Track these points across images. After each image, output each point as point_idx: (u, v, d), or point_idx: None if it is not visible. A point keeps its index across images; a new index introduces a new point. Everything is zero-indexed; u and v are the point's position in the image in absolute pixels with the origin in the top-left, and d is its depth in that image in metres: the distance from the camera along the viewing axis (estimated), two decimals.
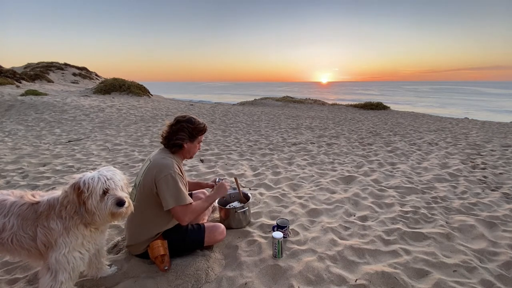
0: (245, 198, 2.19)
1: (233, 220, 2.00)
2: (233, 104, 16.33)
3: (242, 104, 16.36)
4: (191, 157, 1.79)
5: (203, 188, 2.13)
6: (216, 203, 2.09)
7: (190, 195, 2.05)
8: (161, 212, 1.58)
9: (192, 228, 1.71)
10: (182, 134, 1.64)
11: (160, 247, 1.55)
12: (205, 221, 2.08)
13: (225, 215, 2.01)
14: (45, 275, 1.18)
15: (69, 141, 5.31)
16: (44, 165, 3.77)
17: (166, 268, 1.56)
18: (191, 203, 1.58)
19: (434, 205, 2.52)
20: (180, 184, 1.55)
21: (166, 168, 1.54)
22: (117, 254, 1.74)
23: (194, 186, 2.12)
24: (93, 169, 3.59)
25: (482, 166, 3.82)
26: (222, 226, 1.82)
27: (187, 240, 1.67)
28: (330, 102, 16.50)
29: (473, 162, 4.04)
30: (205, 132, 1.76)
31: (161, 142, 1.71)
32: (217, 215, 2.21)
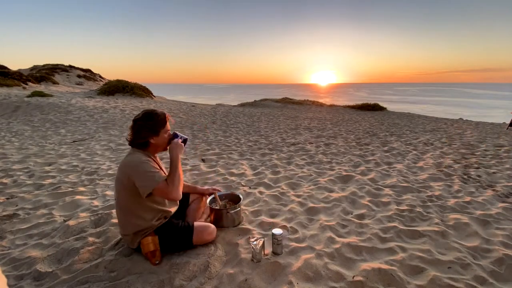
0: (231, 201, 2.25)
1: (226, 220, 2.03)
2: (234, 105, 16.35)
3: (243, 105, 16.36)
4: (165, 149, 1.74)
5: (198, 192, 2.11)
6: (207, 204, 2.10)
7: (187, 199, 2.03)
8: (140, 204, 1.60)
9: (182, 227, 1.72)
10: (144, 132, 1.61)
11: (150, 244, 1.59)
12: (202, 220, 2.11)
13: (217, 215, 2.03)
14: None
15: (73, 141, 5.34)
16: (49, 165, 3.80)
17: (158, 262, 1.61)
18: (165, 180, 1.56)
19: (429, 203, 2.58)
20: (148, 167, 1.54)
21: (132, 161, 1.57)
22: (119, 250, 1.76)
23: (189, 189, 2.08)
24: (97, 168, 3.63)
25: (476, 165, 3.90)
26: (212, 226, 1.84)
27: (176, 239, 1.69)
28: (327, 103, 16.60)
29: (467, 161, 4.12)
30: (166, 121, 1.68)
31: (129, 144, 1.69)
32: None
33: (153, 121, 1.63)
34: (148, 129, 1.61)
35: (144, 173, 1.53)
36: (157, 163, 1.69)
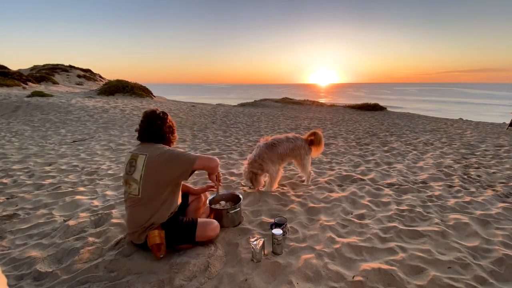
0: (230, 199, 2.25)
1: (226, 220, 2.03)
2: (234, 105, 16.33)
3: (243, 105, 16.35)
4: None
5: (191, 193, 2.12)
6: (208, 204, 2.12)
7: (187, 199, 2.06)
8: (163, 203, 1.66)
9: (186, 222, 1.75)
10: (167, 128, 1.78)
11: (157, 237, 1.62)
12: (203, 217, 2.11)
13: (217, 215, 2.03)
14: None
15: (73, 141, 5.35)
16: (49, 165, 3.80)
17: (162, 256, 1.63)
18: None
19: (429, 203, 2.58)
20: (179, 150, 1.71)
21: (164, 150, 1.67)
22: (119, 250, 1.76)
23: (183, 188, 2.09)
24: (97, 168, 3.62)
25: (476, 165, 3.90)
26: (216, 222, 1.86)
27: (180, 233, 1.72)
28: (327, 103, 16.59)
29: (467, 161, 4.12)
30: None
31: (139, 136, 1.75)
32: None
33: (168, 121, 1.81)
34: (169, 127, 1.79)
35: (181, 153, 1.67)
36: None
